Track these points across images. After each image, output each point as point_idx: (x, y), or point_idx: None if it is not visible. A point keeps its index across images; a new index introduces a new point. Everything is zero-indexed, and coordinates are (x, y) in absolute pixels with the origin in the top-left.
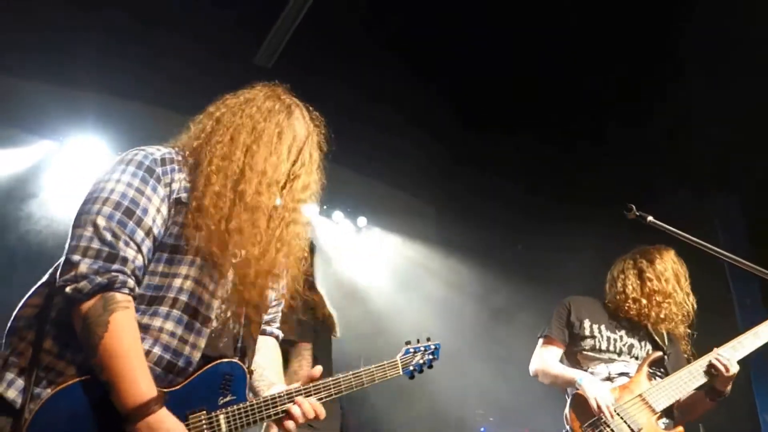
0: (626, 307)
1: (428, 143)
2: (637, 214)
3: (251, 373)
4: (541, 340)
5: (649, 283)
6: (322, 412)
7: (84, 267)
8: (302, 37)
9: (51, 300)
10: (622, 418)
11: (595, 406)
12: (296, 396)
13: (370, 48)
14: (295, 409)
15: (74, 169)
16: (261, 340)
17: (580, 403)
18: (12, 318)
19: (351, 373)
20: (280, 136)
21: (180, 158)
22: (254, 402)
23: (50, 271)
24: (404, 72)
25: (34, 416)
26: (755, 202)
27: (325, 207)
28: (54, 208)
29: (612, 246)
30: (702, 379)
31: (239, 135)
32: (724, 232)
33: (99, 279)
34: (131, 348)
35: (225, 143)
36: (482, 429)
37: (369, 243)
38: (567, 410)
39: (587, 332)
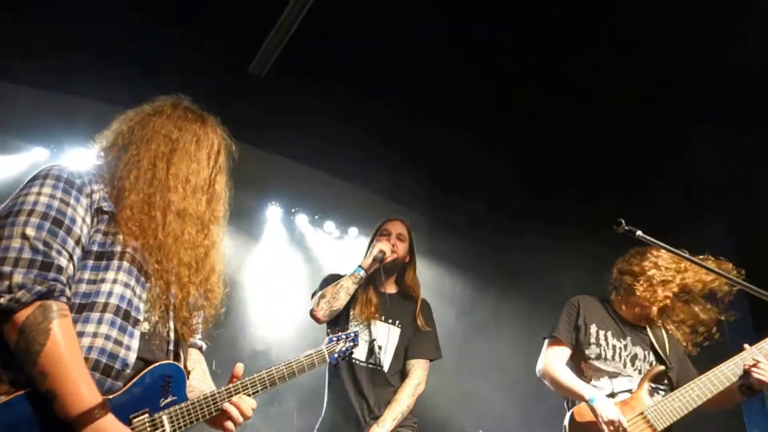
0: (631, 304)
1: (421, 154)
2: (626, 228)
3: (189, 373)
4: (547, 341)
5: (656, 271)
6: (254, 405)
7: (19, 277)
8: (296, 47)
9: None
10: None
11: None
12: (234, 392)
13: (364, 58)
14: (232, 410)
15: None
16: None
17: (584, 428)
18: None
19: (282, 363)
20: (198, 144)
21: (93, 171)
22: (195, 401)
23: None
24: (398, 81)
25: None
26: (742, 225)
27: (316, 217)
28: None
29: (600, 261)
30: (720, 387)
31: (156, 145)
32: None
33: (38, 287)
34: (72, 355)
35: (141, 154)
36: None
37: (359, 253)
38: (566, 426)
39: (593, 339)
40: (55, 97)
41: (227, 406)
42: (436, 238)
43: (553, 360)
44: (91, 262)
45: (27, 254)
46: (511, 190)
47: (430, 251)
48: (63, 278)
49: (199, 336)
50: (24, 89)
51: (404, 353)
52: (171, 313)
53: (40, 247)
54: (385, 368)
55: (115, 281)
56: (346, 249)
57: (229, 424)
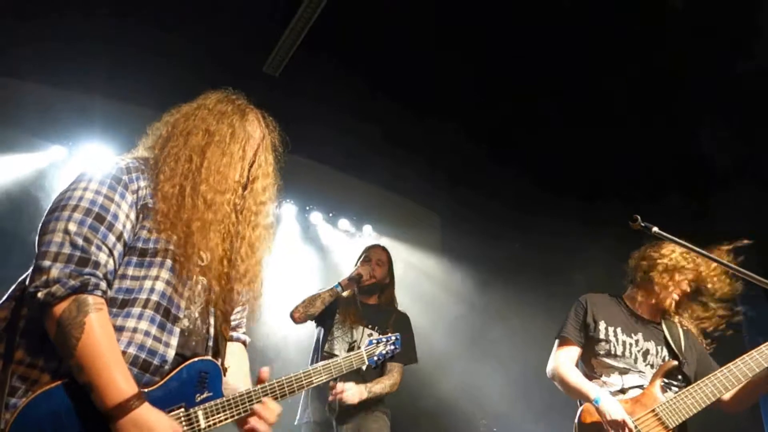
0: (645, 296)
1: (435, 151)
2: (642, 225)
3: (226, 370)
4: (557, 341)
5: (666, 260)
6: (279, 411)
7: (56, 271)
8: (310, 46)
9: (18, 312)
10: None
11: None
12: (270, 391)
13: (378, 56)
14: (259, 425)
15: (67, 178)
16: (228, 346)
17: (592, 429)
18: None
19: (320, 365)
20: (233, 137)
21: (143, 166)
22: (230, 398)
23: (13, 286)
24: (412, 80)
25: (12, 425)
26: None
27: (330, 215)
28: None
29: (615, 257)
30: (749, 374)
31: (193, 138)
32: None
33: (72, 282)
34: (108, 347)
35: (179, 147)
36: None
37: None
38: (576, 424)
39: (602, 335)
40: (72, 95)
41: (253, 421)
42: (449, 235)
43: (562, 361)
44: (135, 259)
45: (66, 249)
46: (525, 186)
47: (442, 248)
48: (99, 273)
49: (243, 330)
50: (40, 87)
51: None
52: (211, 309)
53: (80, 242)
54: (363, 367)
55: (157, 278)
56: (360, 246)
57: (259, 424)
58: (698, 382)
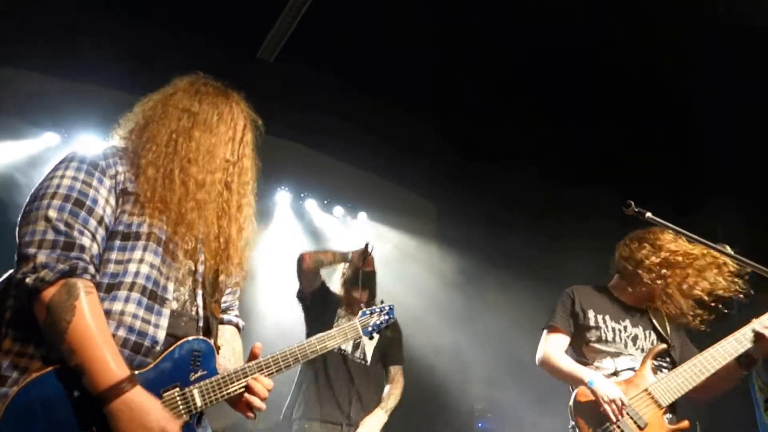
0: (631, 288)
1: (431, 139)
2: (636, 210)
3: (218, 348)
4: (545, 331)
5: (653, 257)
6: (270, 386)
7: (42, 257)
8: (305, 31)
9: (4, 303)
10: (628, 414)
11: (611, 413)
12: (265, 366)
13: (374, 42)
14: (253, 399)
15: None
16: (220, 329)
17: (587, 408)
18: None
19: (314, 338)
20: (220, 117)
21: (120, 152)
22: (225, 375)
23: None
24: (408, 67)
25: (4, 413)
26: (757, 206)
27: (325, 202)
28: None
29: (609, 245)
30: (733, 354)
31: (174, 121)
32: (726, 236)
33: (60, 266)
34: (99, 330)
35: (160, 131)
36: (480, 424)
37: (368, 238)
38: (572, 404)
39: (592, 323)
40: (66, 83)
41: (248, 395)
42: (445, 224)
43: (552, 348)
44: (117, 243)
45: (50, 236)
46: (520, 175)
47: (439, 237)
48: (86, 257)
49: (236, 313)
50: (34, 75)
51: (380, 355)
52: (200, 291)
53: (62, 227)
54: (368, 362)
55: (141, 261)
56: (355, 233)
57: (249, 415)
58: (687, 362)
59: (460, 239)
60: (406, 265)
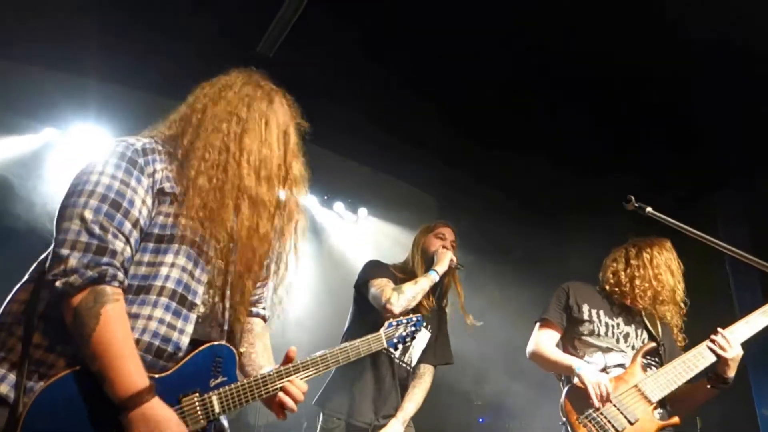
0: (616, 294)
1: (432, 133)
2: (636, 205)
3: (240, 354)
4: (538, 324)
5: (636, 270)
6: (305, 389)
7: (74, 261)
8: (305, 25)
9: (37, 295)
10: (618, 408)
11: (594, 396)
12: (285, 374)
13: (374, 37)
14: (286, 399)
15: (76, 156)
16: (248, 323)
17: (577, 394)
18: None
19: (337, 348)
20: (268, 125)
21: (160, 147)
22: (245, 382)
23: (33, 267)
24: (408, 62)
25: (30, 409)
26: (759, 200)
27: (326, 198)
28: (55, 194)
29: (614, 241)
30: (700, 366)
31: (227, 125)
32: (726, 230)
33: (89, 273)
34: (122, 339)
35: (213, 135)
36: (480, 420)
37: (369, 233)
38: (562, 400)
39: (586, 316)
40: (64, 77)
41: (281, 395)
42: (444, 217)
43: (542, 340)
44: (151, 245)
45: (84, 238)
46: (522, 169)
47: None
48: (117, 262)
49: (263, 306)
50: (32, 69)
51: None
52: (228, 292)
53: (96, 230)
54: (411, 367)
55: (173, 265)
56: (355, 229)
57: (281, 415)
58: (674, 360)
59: (461, 234)
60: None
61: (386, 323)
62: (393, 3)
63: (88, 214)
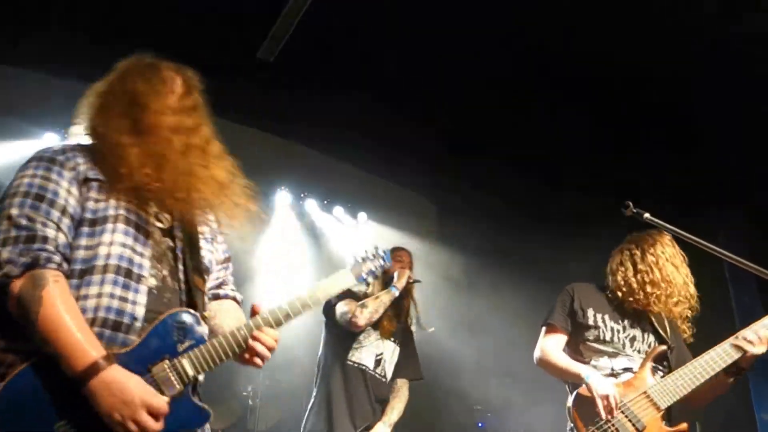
0: (628, 300)
1: (431, 139)
2: (634, 210)
3: (205, 318)
4: (544, 329)
5: (645, 276)
6: (278, 336)
7: (6, 254)
8: (305, 31)
9: None
10: (626, 416)
11: (601, 407)
12: (255, 327)
13: (375, 42)
14: (257, 345)
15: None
16: (217, 304)
17: (585, 403)
18: None
19: (306, 293)
20: (158, 85)
21: (78, 146)
22: (215, 340)
23: None
24: (407, 67)
25: None
26: (759, 214)
27: (325, 202)
28: None
29: (614, 243)
30: (722, 365)
31: (123, 105)
32: (725, 235)
33: (23, 259)
34: (69, 315)
35: (113, 117)
36: (480, 424)
37: (369, 238)
38: (570, 406)
39: (591, 321)
40: (64, 82)
41: (251, 342)
42: (445, 224)
43: (549, 346)
44: (86, 229)
45: (12, 233)
46: (522, 176)
47: (440, 237)
48: (50, 247)
49: (231, 287)
50: (33, 74)
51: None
52: (181, 266)
53: (23, 222)
54: (388, 379)
55: (111, 243)
56: (355, 234)
57: (256, 360)
58: (685, 365)
59: (461, 239)
60: None
61: (352, 260)
62: (393, 12)
63: (14, 211)
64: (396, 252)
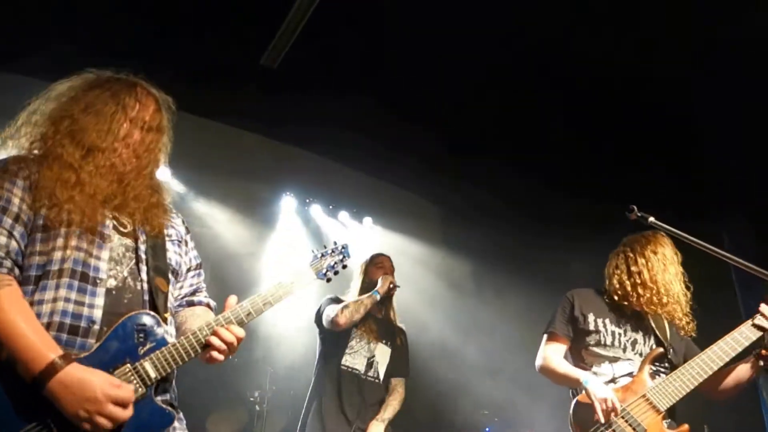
0: (624, 303)
1: (435, 143)
2: (639, 214)
3: (165, 319)
4: (545, 336)
5: (637, 278)
6: (241, 334)
7: None
8: (308, 37)
9: None
10: (626, 420)
11: (600, 411)
12: (216, 325)
13: (378, 47)
14: (214, 339)
15: None
16: (189, 310)
17: (583, 408)
18: None
19: (266, 290)
20: (112, 112)
21: (30, 155)
22: (176, 341)
23: None
24: (411, 70)
25: None
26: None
27: (331, 207)
28: None
29: (614, 247)
30: (738, 349)
31: (61, 113)
32: (732, 247)
33: None
34: (22, 318)
35: (53, 125)
36: (487, 429)
37: (374, 242)
38: (570, 415)
39: (592, 327)
40: None
41: (210, 338)
42: (449, 227)
43: (550, 354)
44: (39, 235)
45: None
46: (527, 180)
47: (444, 240)
48: (1, 253)
49: (205, 294)
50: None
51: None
52: (143, 266)
53: None
54: (381, 380)
55: (65, 247)
56: (360, 239)
57: (214, 354)
58: (684, 365)
59: (465, 242)
60: (410, 269)
61: (311, 256)
62: (398, 14)
63: None
64: (377, 258)
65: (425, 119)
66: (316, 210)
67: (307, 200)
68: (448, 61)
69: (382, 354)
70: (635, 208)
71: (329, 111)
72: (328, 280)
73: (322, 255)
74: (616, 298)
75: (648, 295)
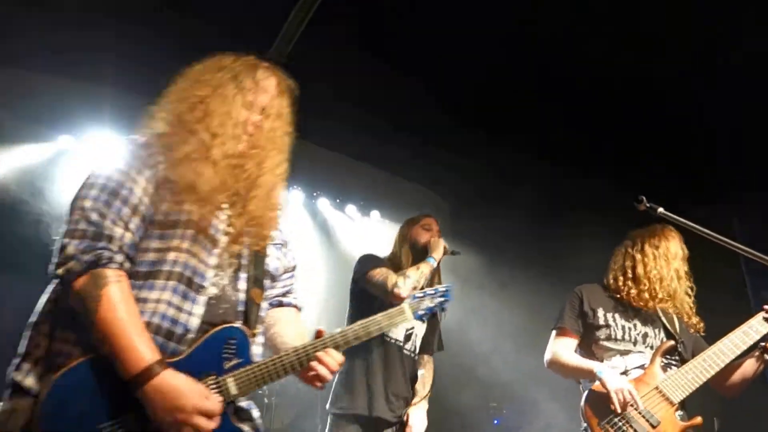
0: (629, 298)
1: (443, 136)
2: (648, 205)
3: (254, 335)
4: (554, 332)
5: (630, 272)
6: (340, 359)
7: (71, 248)
8: (316, 30)
9: (61, 291)
10: (639, 412)
11: (616, 401)
12: (302, 351)
13: (385, 40)
14: (319, 367)
15: (91, 163)
16: (279, 311)
17: (598, 399)
18: (32, 314)
19: (358, 324)
20: (233, 95)
21: (159, 142)
22: (261, 362)
23: None
24: (419, 63)
25: (45, 398)
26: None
27: (338, 200)
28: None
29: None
30: (749, 343)
31: (192, 107)
32: (743, 232)
33: (86, 257)
34: (128, 317)
35: (186, 118)
36: (496, 421)
37: (381, 236)
38: (582, 405)
39: (602, 321)
40: (79, 86)
41: (314, 364)
42: (458, 221)
43: (559, 348)
44: (157, 232)
45: (82, 225)
46: (536, 170)
47: (453, 233)
48: (113, 247)
49: (294, 296)
50: (49, 77)
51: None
52: (243, 275)
53: (93, 217)
54: (417, 354)
55: (179, 249)
56: (368, 232)
57: (317, 384)
58: (697, 357)
59: (474, 235)
60: None
61: (412, 295)
62: (406, 6)
63: (87, 203)
64: (423, 220)
65: (436, 113)
66: (324, 203)
67: (315, 194)
68: (461, 55)
69: (420, 327)
70: (644, 198)
71: (337, 104)
72: (423, 321)
73: (423, 295)
74: (618, 294)
75: (638, 289)
